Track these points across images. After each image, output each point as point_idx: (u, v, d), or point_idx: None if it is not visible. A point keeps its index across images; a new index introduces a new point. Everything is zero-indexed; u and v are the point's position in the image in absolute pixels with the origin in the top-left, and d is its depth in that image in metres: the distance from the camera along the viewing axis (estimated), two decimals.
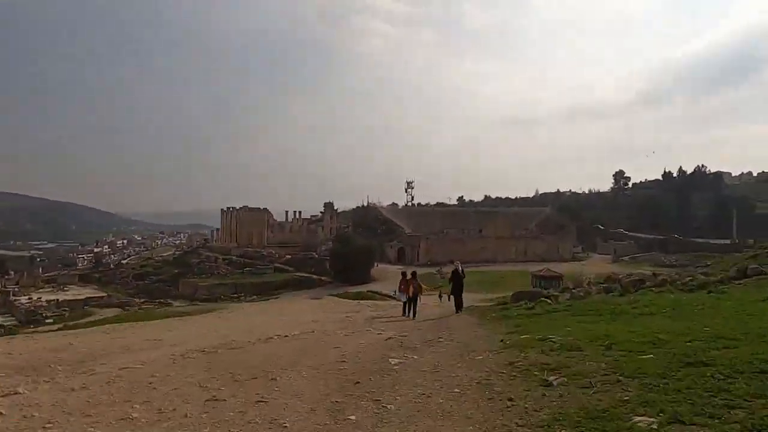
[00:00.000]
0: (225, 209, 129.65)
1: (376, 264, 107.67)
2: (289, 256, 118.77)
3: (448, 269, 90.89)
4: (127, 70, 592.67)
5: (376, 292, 72.03)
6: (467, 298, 27.34)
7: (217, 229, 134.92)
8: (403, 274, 25.22)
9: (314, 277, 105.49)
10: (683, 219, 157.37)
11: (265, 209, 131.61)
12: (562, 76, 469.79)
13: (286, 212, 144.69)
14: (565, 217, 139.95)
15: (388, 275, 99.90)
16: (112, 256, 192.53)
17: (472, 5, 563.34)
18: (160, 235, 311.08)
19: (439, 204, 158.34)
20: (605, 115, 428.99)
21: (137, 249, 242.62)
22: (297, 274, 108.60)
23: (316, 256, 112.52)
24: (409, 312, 23.36)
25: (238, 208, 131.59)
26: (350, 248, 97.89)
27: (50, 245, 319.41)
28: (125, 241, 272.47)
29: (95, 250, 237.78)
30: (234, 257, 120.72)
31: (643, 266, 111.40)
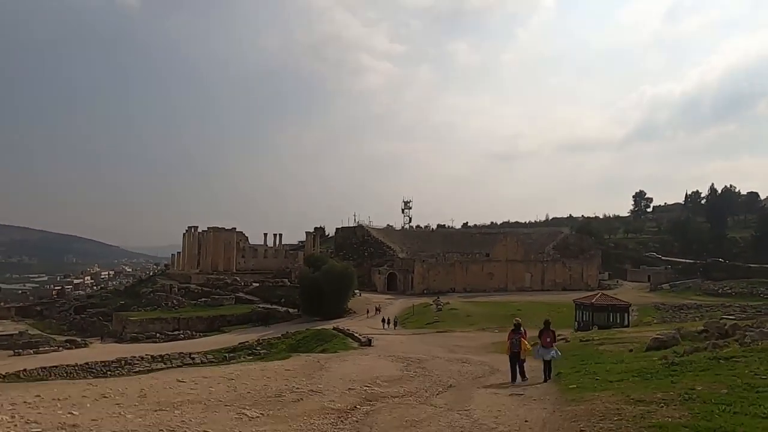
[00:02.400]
0: (187, 230, 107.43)
1: (357, 293, 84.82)
2: (257, 285, 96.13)
3: (448, 299, 66.75)
4: (131, 105, 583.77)
5: (341, 331, 49.02)
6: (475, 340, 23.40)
7: (179, 253, 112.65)
8: (516, 325, 17.24)
9: (280, 309, 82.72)
10: (719, 241, 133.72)
11: (234, 229, 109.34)
12: (554, 110, 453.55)
13: (265, 235, 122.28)
14: (588, 239, 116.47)
15: (371, 307, 77.00)
16: (83, 291, 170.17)
17: (465, 44, 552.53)
18: (154, 266, 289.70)
19: (440, 227, 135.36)
20: (602, 148, 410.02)
21: (124, 281, 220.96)
22: (261, 305, 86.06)
23: (288, 283, 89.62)
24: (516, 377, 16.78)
25: (206, 229, 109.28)
26: (322, 273, 75.04)
27: (45, 278, 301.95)
28: (111, 272, 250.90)
29: (75, 281, 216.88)
30: (194, 286, 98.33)
31: (690, 295, 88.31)
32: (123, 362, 51.41)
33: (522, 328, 17.15)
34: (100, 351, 64.90)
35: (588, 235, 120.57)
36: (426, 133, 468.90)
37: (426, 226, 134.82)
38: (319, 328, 58.16)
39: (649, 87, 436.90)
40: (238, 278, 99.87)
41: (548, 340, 16.84)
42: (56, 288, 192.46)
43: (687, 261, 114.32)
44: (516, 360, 16.81)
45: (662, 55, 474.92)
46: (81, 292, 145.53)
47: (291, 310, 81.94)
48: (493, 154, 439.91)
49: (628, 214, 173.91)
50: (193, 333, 73.36)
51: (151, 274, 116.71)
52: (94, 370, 46.78)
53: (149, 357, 55.13)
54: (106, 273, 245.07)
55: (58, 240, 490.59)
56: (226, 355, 53.13)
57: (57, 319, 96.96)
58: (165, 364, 51.23)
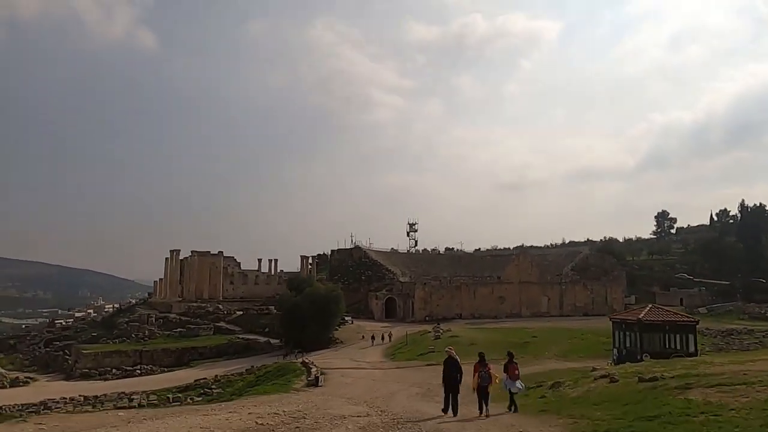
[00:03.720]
0: (170, 254, 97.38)
1: (349, 320, 73.64)
2: (241, 313, 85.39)
3: (449, 326, 55.11)
4: (141, 138, 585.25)
5: (307, 365, 38.04)
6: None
7: (161, 279, 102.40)
8: (481, 356, 16.48)
9: (260, 340, 71.82)
10: (755, 261, 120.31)
11: (221, 253, 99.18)
12: (562, 140, 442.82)
13: (259, 261, 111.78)
14: (610, 259, 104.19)
15: (361, 337, 65.67)
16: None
17: (470, 77, 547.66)
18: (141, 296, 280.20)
19: (448, 250, 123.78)
20: (613, 176, 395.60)
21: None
22: (240, 336, 75.25)
23: (274, 311, 78.73)
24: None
25: (193, 254, 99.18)
26: (304, 297, 64.18)
27: (58, 312, 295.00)
28: (117, 305, 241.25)
29: (76, 314, 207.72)
30: (173, 315, 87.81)
31: (733, 319, 75.88)
32: (43, 405, 41.11)
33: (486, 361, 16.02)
34: (33, 390, 54.58)
35: (610, 255, 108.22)
36: (435, 165, 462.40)
37: (433, 250, 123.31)
38: (287, 361, 47.26)
39: (658, 115, 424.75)
40: (221, 306, 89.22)
41: (516, 372, 16.44)
42: (58, 321, 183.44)
43: (722, 282, 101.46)
44: (485, 396, 15.60)
45: (667, 84, 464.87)
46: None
47: (273, 341, 71.03)
48: (502, 184, 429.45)
49: (651, 236, 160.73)
50: (154, 368, 62.67)
51: (132, 303, 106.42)
52: None
53: (80, 398, 44.84)
54: (111, 306, 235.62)
55: (72, 274, 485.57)
56: (171, 396, 42.50)
57: (24, 353, 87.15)
58: (94, 407, 40.31)
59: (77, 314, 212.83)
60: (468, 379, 16.38)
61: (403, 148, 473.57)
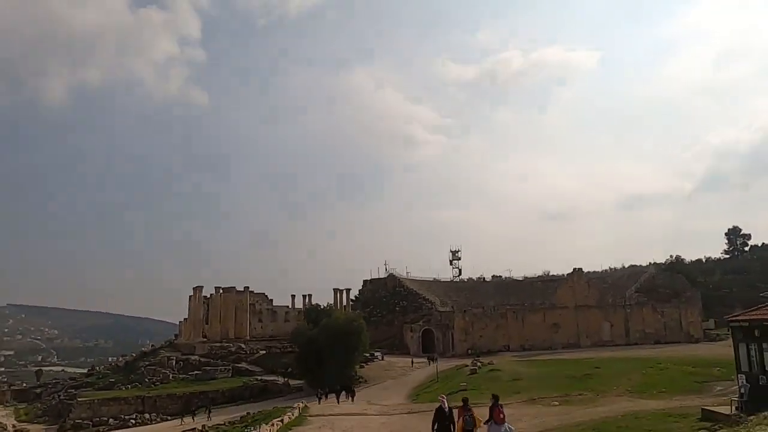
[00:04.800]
0: (193, 292, 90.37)
1: (378, 356, 63.73)
2: (264, 352, 76.70)
3: (494, 359, 45.03)
4: (192, 186, 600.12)
5: (308, 413, 28.70)
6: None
7: (186, 319, 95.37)
8: (464, 400, 15.62)
9: (279, 381, 62.60)
10: None
11: (247, 289, 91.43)
12: (610, 167, 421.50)
13: (292, 297, 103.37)
14: (681, 278, 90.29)
15: (390, 374, 55.56)
16: None
17: (508, 110, 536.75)
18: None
19: (495, 278, 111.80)
20: (667, 201, 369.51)
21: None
22: (259, 377, 66.26)
23: (297, 349, 69.46)
24: None
25: (217, 290, 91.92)
26: (320, 329, 54.91)
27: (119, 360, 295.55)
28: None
29: (126, 360, 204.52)
30: (195, 357, 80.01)
31: None
32: None
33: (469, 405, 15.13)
34: None
35: (679, 275, 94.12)
36: (480, 199, 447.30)
37: (478, 278, 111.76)
38: (285, 407, 37.78)
39: (711, 136, 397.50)
40: (243, 346, 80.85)
41: (501, 416, 15.36)
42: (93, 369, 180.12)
43: None
44: None
45: (716, 104, 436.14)
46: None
47: (292, 382, 61.75)
48: (550, 214, 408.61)
49: (723, 255, 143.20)
50: (154, 417, 54.30)
51: (157, 346, 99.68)
52: None
53: None
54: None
55: (132, 322, 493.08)
56: None
57: (43, 402, 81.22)
58: None
59: (120, 360, 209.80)
60: None
61: (447, 185, 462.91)
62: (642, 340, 70.80)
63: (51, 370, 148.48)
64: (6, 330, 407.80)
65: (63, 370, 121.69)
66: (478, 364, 46.84)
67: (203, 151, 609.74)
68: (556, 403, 28.05)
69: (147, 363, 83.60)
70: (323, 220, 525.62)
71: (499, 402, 15.49)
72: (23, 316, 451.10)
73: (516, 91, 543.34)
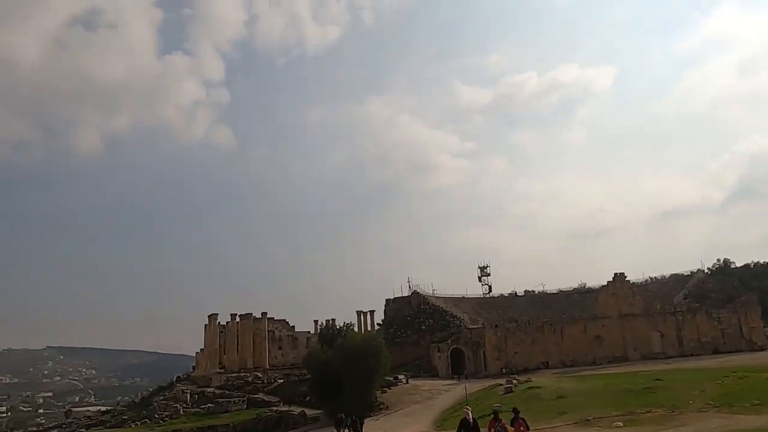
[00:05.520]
0: (208, 320, 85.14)
1: (402, 379, 57.07)
2: (282, 381, 70.62)
3: (527, 377, 37.85)
4: (221, 222, 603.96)
5: None
6: None
7: (202, 350, 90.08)
8: (495, 413, 16.72)
9: (295, 411, 56.30)
10: None
11: (264, 315, 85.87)
12: (636, 181, 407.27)
13: (315, 322, 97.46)
14: (734, 281, 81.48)
15: (414, 398, 48.82)
16: None
17: (528, 131, 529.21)
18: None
19: (528, 292, 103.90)
20: (699, 212, 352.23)
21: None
22: (275, 408, 60.04)
23: (310, 375, 63.25)
24: None
25: (233, 318, 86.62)
26: (335, 351, 48.80)
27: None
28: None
29: (143, 396, 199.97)
30: (210, 389, 74.39)
31: None
32: None
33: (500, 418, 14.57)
34: None
35: (732, 278, 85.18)
36: (505, 220, 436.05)
37: (510, 293, 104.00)
38: None
39: (741, 144, 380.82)
40: (260, 375, 74.89)
41: (522, 429, 15.42)
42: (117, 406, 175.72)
43: None
44: None
45: (743, 111, 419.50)
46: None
47: (310, 412, 55.41)
48: (577, 233, 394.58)
49: None
50: None
51: (174, 379, 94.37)
52: None
53: None
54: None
55: (168, 360, 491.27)
56: None
57: None
58: None
59: (137, 396, 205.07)
60: None
61: (471, 208, 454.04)
62: (698, 350, 62.47)
63: (88, 411, 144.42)
64: (45, 372, 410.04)
65: (99, 410, 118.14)
66: (514, 381, 39.97)
67: (229, 184, 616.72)
68: (620, 423, 21.40)
69: (161, 398, 78.33)
70: (345, 246, 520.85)
71: (520, 415, 15.26)
72: (62, 357, 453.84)
73: (534, 111, 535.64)
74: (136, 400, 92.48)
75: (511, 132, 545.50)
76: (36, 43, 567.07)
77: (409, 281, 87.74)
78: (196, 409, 66.80)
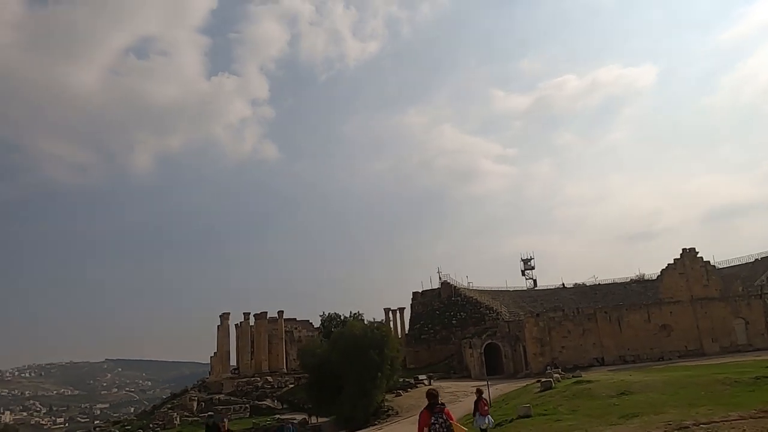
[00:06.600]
0: (220, 321, 76.67)
1: (424, 379, 46.61)
2: (292, 386, 61.24)
3: (586, 374, 26.78)
4: (276, 233, 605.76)
5: None
6: None
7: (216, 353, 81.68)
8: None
9: (296, 419, 46.65)
10: None
11: (281, 314, 76.85)
12: (690, 180, 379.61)
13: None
14: None
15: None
16: None
17: (571, 133, 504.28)
18: None
19: (576, 285, 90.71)
20: (759, 209, 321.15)
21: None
22: (278, 416, 50.81)
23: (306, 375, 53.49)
24: None
25: (246, 317, 78.10)
26: (331, 344, 38.93)
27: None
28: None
29: (154, 404, 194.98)
30: (219, 396, 65.85)
31: None
32: None
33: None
34: None
35: None
36: (551, 224, 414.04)
37: (557, 286, 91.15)
38: None
39: None
40: (270, 379, 65.76)
41: (486, 408, 15.96)
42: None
43: None
44: None
45: None
46: None
47: (314, 420, 45.63)
48: (628, 235, 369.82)
49: None
50: None
51: (189, 387, 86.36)
52: None
53: None
54: None
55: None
56: None
57: None
58: None
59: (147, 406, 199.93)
60: None
61: (517, 214, 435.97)
62: None
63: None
64: (104, 384, 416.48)
65: (110, 421, 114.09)
66: (555, 376, 28.94)
67: (276, 196, 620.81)
68: (745, 429, 10.55)
69: (169, 406, 70.43)
70: (385, 251, 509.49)
71: (483, 396, 15.66)
72: (120, 369, 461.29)
73: (576, 112, 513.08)
74: (147, 410, 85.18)
75: (554, 135, 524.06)
76: (93, 73, 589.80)
77: (439, 272, 76.86)
78: (194, 419, 58.26)
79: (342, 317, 56.82)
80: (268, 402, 59.29)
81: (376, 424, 35.29)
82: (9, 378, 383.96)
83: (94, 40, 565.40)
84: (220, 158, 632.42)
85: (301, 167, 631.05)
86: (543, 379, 28.00)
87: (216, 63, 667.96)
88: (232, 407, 56.86)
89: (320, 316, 70.50)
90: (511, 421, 18.33)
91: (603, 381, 24.13)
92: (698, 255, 54.97)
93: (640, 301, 68.81)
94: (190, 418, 57.93)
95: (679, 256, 54.72)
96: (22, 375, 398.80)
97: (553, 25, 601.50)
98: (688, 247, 54.95)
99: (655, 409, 15.85)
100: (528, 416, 18.28)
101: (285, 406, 56.14)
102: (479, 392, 16.38)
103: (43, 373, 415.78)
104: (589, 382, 24.02)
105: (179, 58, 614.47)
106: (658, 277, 56.79)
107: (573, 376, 29.15)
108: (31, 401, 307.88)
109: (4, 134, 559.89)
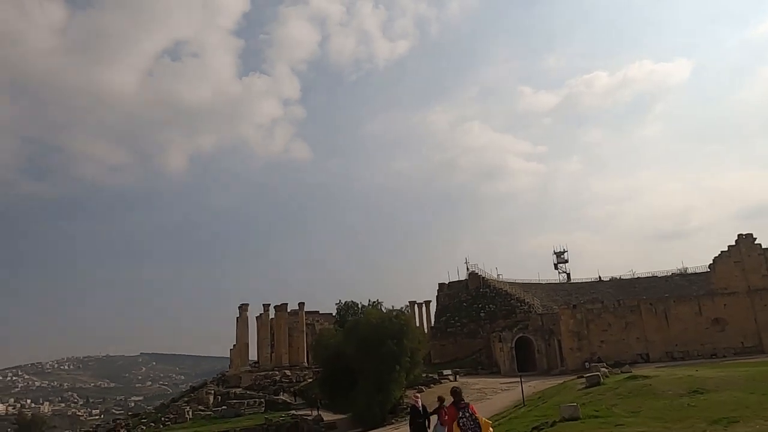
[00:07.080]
0: (239, 312, 73.78)
1: (449, 375, 42.49)
2: (311, 380, 57.83)
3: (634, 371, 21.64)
4: (305, 228, 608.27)
5: None
6: None
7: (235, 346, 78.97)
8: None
9: (309, 417, 43.09)
10: None
11: (302, 306, 73.71)
12: (723, 177, 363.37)
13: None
14: None
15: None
16: None
17: (600, 130, 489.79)
18: None
19: (613, 279, 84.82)
20: None
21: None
22: (293, 412, 47.26)
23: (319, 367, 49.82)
24: None
25: (265, 309, 75.18)
26: (345, 334, 35.09)
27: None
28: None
29: (173, 398, 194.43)
30: (236, 390, 63.07)
31: None
32: None
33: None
34: None
35: None
36: (581, 222, 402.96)
37: (593, 280, 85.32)
38: None
39: None
40: (288, 373, 62.52)
41: (446, 417, 12.56)
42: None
43: None
44: None
45: None
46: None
47: (332, 417, 41.93)
48: (659, 233, 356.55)
49: None
50: None
51: (210, 380, 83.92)
52: None
53: None
54: None
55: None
56: None
57: None
58: None
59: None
60: None
61: (545, 211, 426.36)
62: None
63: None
64: (139, 377, 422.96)
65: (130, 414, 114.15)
66: (603, 370, 24.45)
67: (309, 193, 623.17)
68: None
69: (186, 400, 67.92)
70: (416, 248, 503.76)
71: (444, 403, 13.14)
72: (154, 363, 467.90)
73: (605, 109, 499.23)
74: (165, 402, 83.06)
75: (583, 132, 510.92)
76: (129, 76, 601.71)
77: (466, 262, 72.27)
78: (208, 413, 55.36)
79: (360, 305, 53.00)
80: (284, 396, 56.06)
81: (393, 423, 31.40)
82: (49, 370, 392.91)
83: (130, 44, 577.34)
84: (251, 157, 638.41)
85: (332, 165, 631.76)
86: (587, 374, 23.59)
87: (248, 64, 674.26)
88: (246, 402, 53.77)
89: (336, 304, 66.80)
90: (553, 425, 14.11)
91: (664, 377, 19.62)
92: (756, 242, 49.23)
93: (682, 287, 63.32)
94: (203, 413, 55.10)
95: (734, 243, 49.12)
96: (62, 367, 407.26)
97: (582, 20, 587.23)
98: (744, 233, 49.21)
99: (756, 413, 11.53)
100: (576, 418, 14.05)
101: (302, 401, 52.73)
102: (441, 399, 13.72)
103: (81, 366, 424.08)
104: (646, 377, 19.55)
105: (212, 59, 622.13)
106: (710, 266, 51.03)
107: (622, 372, 24.67)
108: (69, 393, 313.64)
109: (44, 135, 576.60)
